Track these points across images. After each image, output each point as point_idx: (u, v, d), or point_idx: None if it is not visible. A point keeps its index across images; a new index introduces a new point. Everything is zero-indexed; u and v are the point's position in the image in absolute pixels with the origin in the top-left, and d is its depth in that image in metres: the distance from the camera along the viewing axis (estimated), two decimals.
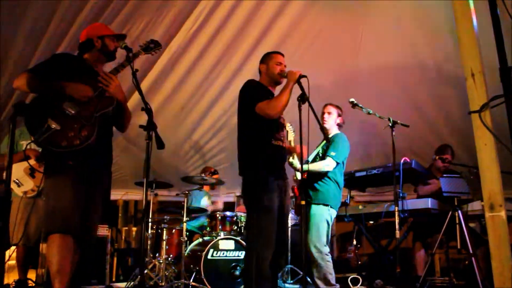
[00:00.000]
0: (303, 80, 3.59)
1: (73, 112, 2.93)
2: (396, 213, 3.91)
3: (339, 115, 4.56)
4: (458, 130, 6.50)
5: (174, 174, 6.55)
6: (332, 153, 4.30)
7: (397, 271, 3.94)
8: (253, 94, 3.57)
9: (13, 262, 6.50)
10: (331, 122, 4.51)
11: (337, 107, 4.58)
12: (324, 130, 3.46)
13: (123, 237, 10.52)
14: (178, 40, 5.48)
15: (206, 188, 6.58)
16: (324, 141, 4.51)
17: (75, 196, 2.93)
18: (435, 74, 5.95)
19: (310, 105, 3.81)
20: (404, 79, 6.05)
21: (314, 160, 4.48)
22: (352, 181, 5.55)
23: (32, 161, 4.44)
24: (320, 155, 4.48)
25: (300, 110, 3.61)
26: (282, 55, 3.82)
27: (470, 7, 3.20)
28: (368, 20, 5.48)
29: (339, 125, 4.57)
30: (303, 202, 3.40)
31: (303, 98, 3.56)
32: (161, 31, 5.32)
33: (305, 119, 3.38)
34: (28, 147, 4.24)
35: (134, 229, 10.82)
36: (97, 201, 3.16)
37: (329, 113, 4.50)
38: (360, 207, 5.57)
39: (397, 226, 3.90)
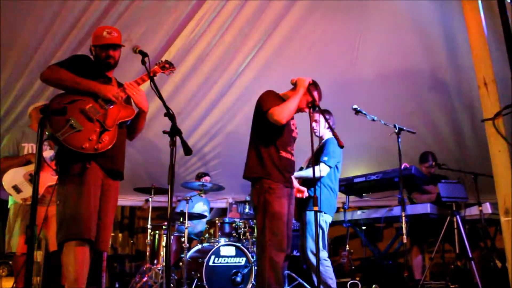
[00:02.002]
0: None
1: (96, 116, 2.95)
2: (403, 218, 3.96)
3: (326, 120, 4.58)
4: (450, 137, 6.65)
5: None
6: (325, 158, 4.31)
7: (405, 275, 3.99)
8: (266, 102, 3.56)
9: None
10: (321, 129, 4.54)
11: (322, 112, 4.60)
12: (336, 136, 3.46)
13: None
14: (177, 45, 5.45)
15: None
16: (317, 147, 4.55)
17: (92, 201, 2.91)
18: (429, 81, 6.06)
19: (321, 111, 3.87)
20: (399, 86, 6.13)
21: (308, 167, 4.50)
22: (350, 187, 5.61)
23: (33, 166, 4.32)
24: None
25: (310, 116, 3.67)
26: (319, 92, 3.76)
27: (481, 19, 3.29)
28: (366, 27, 5.54)
29: (330, 129, 4.58)
30: (315, 208, 3.41)
31: (313, 105, 3.63)
32: (161, 36, 5.30)
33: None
34: (35, 141, 4.16)
35: (120, 235, 10.71)
36: (110, 209, 3.14)
37: (315, 121, 4.48)
38: (359, 212, 5.63)
39: (404, 231, 3.95)
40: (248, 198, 6.14)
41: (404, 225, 3.94)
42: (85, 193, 2.87)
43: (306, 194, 4.09)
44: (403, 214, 3.97)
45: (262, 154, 3.55)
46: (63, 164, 2.96)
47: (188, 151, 2.69)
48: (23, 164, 4.31)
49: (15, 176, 4.28)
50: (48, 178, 4.22)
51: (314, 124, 4.45)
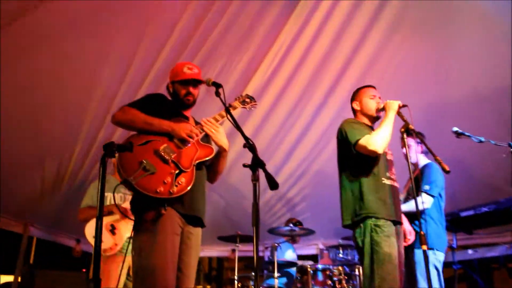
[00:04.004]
0: (403, 110, 3.27)
1: (171, 156, 2.71)
2: None
3: (418, 143, 4.14)
4: None
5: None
6: (426, 187, 3.89)
7: None
8: (352, 132, 3.22)
9: None
10: (413, 154, 4.10)
11: (413, 135, 4.13)
12: (439, 160, 2.98)
13: None
14: (254, 84, 5.29)
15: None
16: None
17: (169, 251, 2.64)
18: None
19: (417, 135, 3.40)
20: (497, 104, 5.46)
21: (406, 199, 4.02)
22: (457, 223, 4.95)
23: (116, 217, 4.18)
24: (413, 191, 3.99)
25: (404, 142, 3.24)
26: (374, 87, 3.55)
27: None
28: (455, 42, 5.04)
29: (425, 153, 4.14)
30: (424, 247, 2.90)
31: (407, 130, 3.20)
32: (238, 74, 5.19)
33: None
34: (117, 191, 4.02)
35: (209, 287, 10.45)
36: (192, 259, 2.85)
37: (408, 146, 4.03)
38: (470, 251, 4.95)
39: None
40: (341, 242, 5.66)
41: None
42: (160, 242, 2.61)
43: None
44: None
45: (360, 190, 3.15)
46: (138, 211, 2.74)
47: (273, 184, 2.36)
48: (105, 215, 4.19)
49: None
50: (129, 230, 4.06)
51: (404, 150, 3.99)
